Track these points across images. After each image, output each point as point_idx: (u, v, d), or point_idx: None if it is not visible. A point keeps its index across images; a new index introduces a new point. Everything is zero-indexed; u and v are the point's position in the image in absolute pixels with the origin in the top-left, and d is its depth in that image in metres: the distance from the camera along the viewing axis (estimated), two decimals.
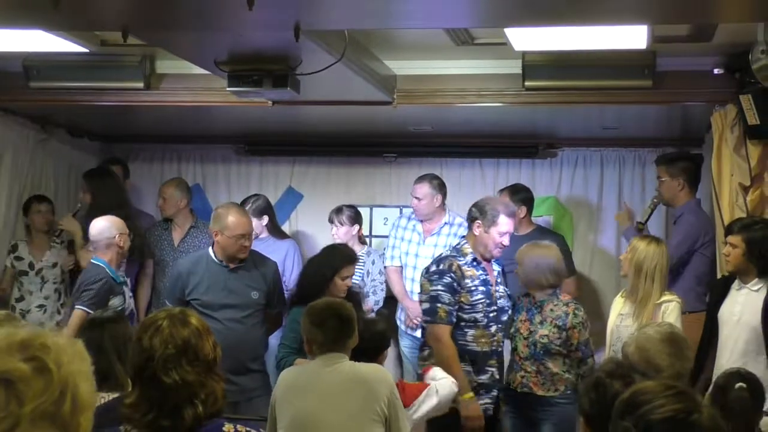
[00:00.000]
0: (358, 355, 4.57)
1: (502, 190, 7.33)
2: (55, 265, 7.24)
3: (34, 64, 6.38)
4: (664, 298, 5.60)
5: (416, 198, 7.17)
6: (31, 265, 7.20)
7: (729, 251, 5.53)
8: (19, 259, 7.20)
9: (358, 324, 4.56)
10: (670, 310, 5.56)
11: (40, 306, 7.15)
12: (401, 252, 7.25)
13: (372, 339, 4.81)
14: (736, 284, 5.65)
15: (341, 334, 4.37)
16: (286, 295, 6.23)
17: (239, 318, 5.80)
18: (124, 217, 6.45)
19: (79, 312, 5.81)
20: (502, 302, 5.84)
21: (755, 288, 5.55)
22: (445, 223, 7.19)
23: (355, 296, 5.86)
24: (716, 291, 5.82)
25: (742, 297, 5.59)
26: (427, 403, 4.95)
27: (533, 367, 5.67)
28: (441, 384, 5.08)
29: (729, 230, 5.65)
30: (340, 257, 5.88)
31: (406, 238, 7.27)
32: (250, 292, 5.85)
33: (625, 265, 5.70)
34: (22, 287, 7.19)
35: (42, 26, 4.96)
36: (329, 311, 4.41)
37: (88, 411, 1.93)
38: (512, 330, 5.80)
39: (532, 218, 7.36)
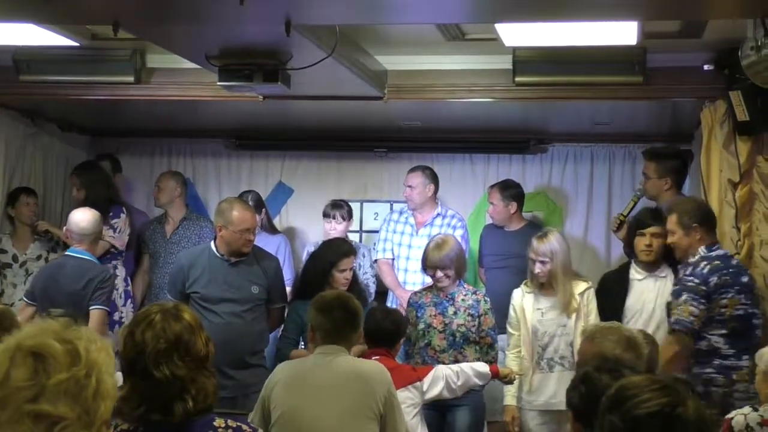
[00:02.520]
0: (378, 341, 5.09)
1: (492, 186, 7.34)
2: (39, 257, 7.22)
3: (24, 58, 6.37)
4: (583, 286, 5.86)
5: (409, 186, 7.22)
6: (15, 258, 7.19)
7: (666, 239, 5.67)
8: (2, 252, 7.18)
9: (376, 314, 5.08)
10: (591, 295, 5.85)
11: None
12: (393, 244, 7.29)
13: (392, 325, 5.18)
14: (636, 275, 5.93)
15: (346, 326, 4.39)
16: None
17: (239, 312, 5.78)
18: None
19: (100, 312, 5.95)
20: None
21: (663, 275, 5.88)
22: (438, 215, 7.24)
23: (360, 294, 5.91)
24: (613, 285, 6.03)
25: (650, 285, 5.88)
26: (436, 386, 5.22)
27: (451, 358, 5.81)
28: (446, 370, 5.35)
29: (654, 220, 5.89)
30: (336, 251, 6.00)
31: (398, 230, 7.31)
32: (251, 286, 5.84)
33: (547, 276, 5.80)
34: (5, 280, 7.16)
35: (33, 20, 4.96)
36: (337, 302, 4.45)
37: (109, 401, 2.05)
38: (421, 327, 5.90)
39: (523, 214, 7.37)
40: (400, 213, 7.42)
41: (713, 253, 5.42)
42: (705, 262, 5.38)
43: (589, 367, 3.27)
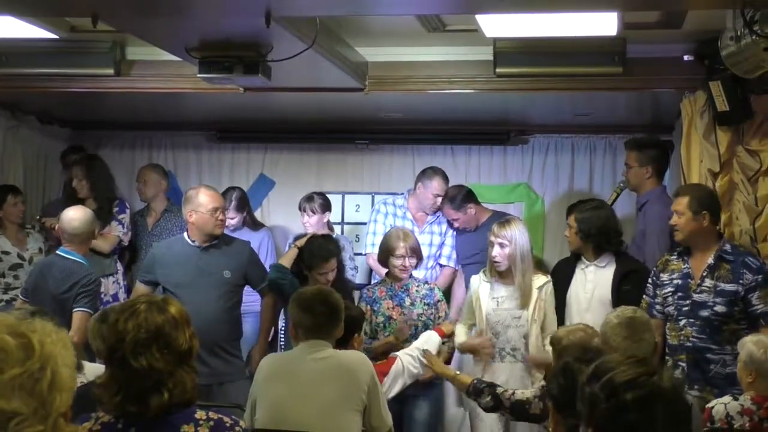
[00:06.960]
0: None
1: (442, 204, 7.16)
2: (40, 250, 7.15)
3: (3, 51, 6.33)
4: (542, 280, 5.90)
5: (440, 196, 7.14)
6: (21, 257, 7.07)
7: (568, 232, 6.00)
8: (5, 253, 7.03)
9: None
10: (549, 290, 5.88)
11: None
12: None
13: (344, 324, 4.74)
14: (581, 263, 6.01)
15: (328, 321, 4.39)
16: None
17: (212, 297, 5.82)
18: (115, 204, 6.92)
19: (82, 314, 5.86)
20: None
21: (602, 264, 5.93)
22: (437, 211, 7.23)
23: (345, 286, 5.90)
24: (562, 273, 6.10)
25: (590, 274, 5.94)
26: (396, 384, 5.20)
27: None
28: (403, 355, 5.31)
29: (568, 212, 6.13)
30: (316, 254, 5.95)
31: (397, 226, 7.21)
32: (222, 270, 5.90)
33: (504, 261, 5.79)
34: (18, 280, 6.97)
35: (11, 12, 4.92)
36: (318, 297, 4.44)
37: (66, 392, 2.01)
38: (381, 320, 5.98)
39: (484, 204, 7.33)
40: (396, 207, 7.31)
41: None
42: (746, 252, 5.46)
43: (569, 358, 3.27)
